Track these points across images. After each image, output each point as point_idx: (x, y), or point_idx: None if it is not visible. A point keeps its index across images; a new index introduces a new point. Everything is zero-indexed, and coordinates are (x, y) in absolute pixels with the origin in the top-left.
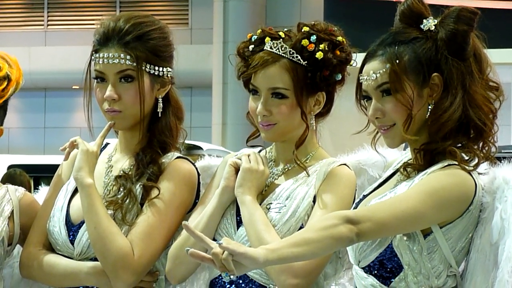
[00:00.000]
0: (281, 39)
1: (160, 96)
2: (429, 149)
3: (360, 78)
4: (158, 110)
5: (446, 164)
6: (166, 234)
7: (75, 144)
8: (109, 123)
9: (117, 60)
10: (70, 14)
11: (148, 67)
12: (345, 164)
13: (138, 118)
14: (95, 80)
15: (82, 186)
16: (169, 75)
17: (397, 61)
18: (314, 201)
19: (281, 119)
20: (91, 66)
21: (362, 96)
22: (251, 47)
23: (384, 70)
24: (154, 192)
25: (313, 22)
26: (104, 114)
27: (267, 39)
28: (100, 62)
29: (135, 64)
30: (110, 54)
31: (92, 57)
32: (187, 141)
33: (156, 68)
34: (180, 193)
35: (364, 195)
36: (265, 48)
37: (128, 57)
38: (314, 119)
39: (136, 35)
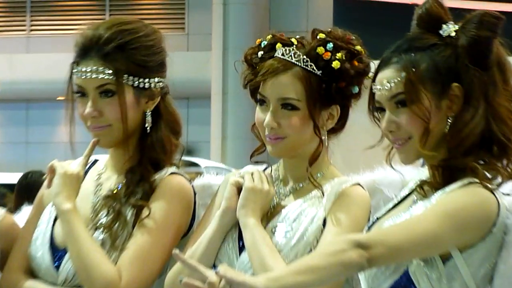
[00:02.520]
0: (293, 46)
1: (148, 110)
2: (448, 166)
3: (373, 87)
4: (146, 126)
5: (466, 182)
6: (160, 257)
7: (53, 169)
8: (93, 140)
9: (95, 74)
10: (55, 18)
11: (131, 80)
12: (358, 184)
13: (126, 134)
14: (77, 95)
15: (60, 212)
16: (158, 86)
17: (414, 69)
18: (324, 225)
19: (291, 132)
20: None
21: (375, 107)
22: (260, 53)
23: (399, 79)
24: (145, 212)
25: (329, 29)
26: (88, 131)
27: (279, 45)
28: (79, 76)
29: (114, 77)
30: (89, 68)
31: (73, 70)
32: (182, 158)
33: (141, 80)
34: (173, 212)
35: (377, 218)
36: (275, 55)
37: (107, 70)
38: (326, 134)
39: (116, 45)
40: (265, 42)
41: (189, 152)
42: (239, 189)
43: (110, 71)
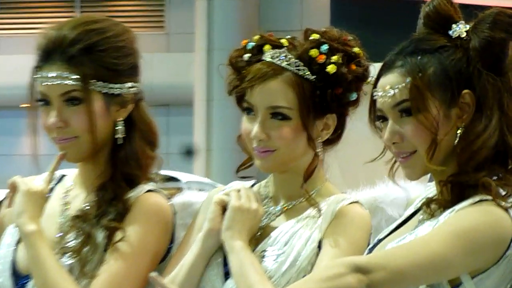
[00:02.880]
0: (284, 48)
1: (120, 119)
2: (458, 182)
3: (374, 93)
4: (116, 136)
5: (477, 199)
6: (135, 286)
7: (15, 186)
8: (59, 154)
9: (60, 79)
10: (21, 16)
11: (100, 86)
12: (357, 202)
13: (95, 146)
14: (39, 103)
15: (24, 234)
16: (131, 92)
17: (420, 74)
18: (319, 248)
19: (282, 144)
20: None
21: (376, 116)
22: (246, 56)
23: (403, 84)
24: (118, 235)
25: (323, 29)
26: (53, 143)
27: (267, 47)
28: (42, 82)
29: (81, 83)
30: (52, 73)
31: (34, 76)
32: (162, 172)
33: (111, 85)
34: (150, 234)
35: (379, 239)
36: (264, 58)
37: (72, 75)
38: (321, 146)
39: (83, 47)
40: (252, 44)
41: (190, 153)
42: (224, 208)
43: (76, 77)
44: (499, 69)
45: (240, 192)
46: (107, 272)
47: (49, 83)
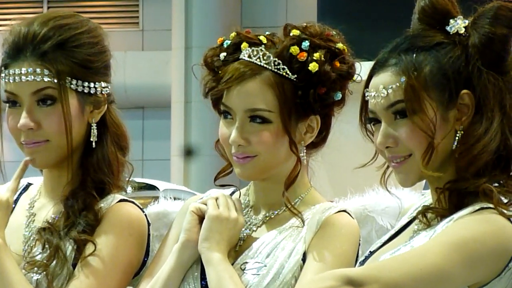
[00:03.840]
0: (262, 46)
1: (94, 120)
2: (457, 189)
3: (366, 94)
4: (91, 139)
5: (478, 207)
6: None
7: None
8: (25, 159)
9: (32, 76)
10: None
11: (75, 84)
12: (344, 211)
13: (66, 151)
14: (6, 104)
15: None
16: (105, 92)
17: (415, 73)
18: (304, 260)
19: (263, 150)
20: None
21: (368, 118)
22: (222, 55)
23: (398, 84)
24: (89, 248)
25: (304, 24)
26: (20, 148)
27: (244, 45)
28: (11, 80)
29: (55, 80)
30: (23, 70)
31: (1, 75)
32: (137, 179)
33: (86, 84)
34: (123, 247)
35: (370, 252)
36: (241, 57)
37: (46, 71)
38: (305, 151)
39: (56, 42)
40: (228, 42)
41: (189, 153)
42: (201, 217)
43: (51, 73)
44: (501, 67)
45: (218, 200)
46: None
47: (19, 81)
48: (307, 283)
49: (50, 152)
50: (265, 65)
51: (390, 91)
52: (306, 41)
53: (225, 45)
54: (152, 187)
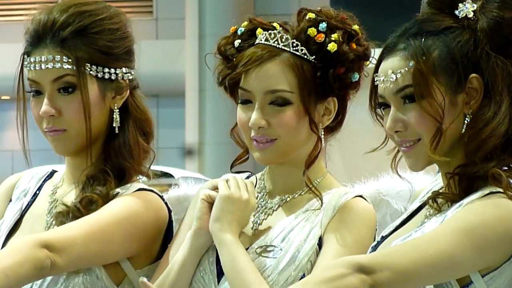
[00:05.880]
0: (279, 29)
1: (116, 106)
2: (466, 173)
3: (376, 79)
4: (114, 125)
5: (487, 192)
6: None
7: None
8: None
9: (51, 63)
10: None
11: (95, 70)
12: (360, 196)
13: (88, 137)
14: (30, 93)
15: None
16: (126, 78)
17: (424, 57)
18: (320, 245)
19: (283, 132)
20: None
21: (377, 102)
22: (237, 42)
23: (406, 69)
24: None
25: (319, 8)
26: (45, 136)
27: (259, 30)
28: (32, 68)
29: (74, 67)
30: (43, 57)
31: (24, 63)
32: (152, 167)
33: (106, 70)
34: (136, 210)
35: (382, 237)
36: (257, 41)
37: (65, 58)
38: (323, 134)
39: (75, 29)
40: (242, 29)
41: (189, 153)
42: (211, 204)
43: (70, 60)
44: (509, 51)
45: (229, 182)
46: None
47: (40, 68)
48: (321, 271)
49: (70, 140)
50: (283, 47)
51: (398, 75)
52: (323, 23)
53: (239, 32)
54: (168, 175)
